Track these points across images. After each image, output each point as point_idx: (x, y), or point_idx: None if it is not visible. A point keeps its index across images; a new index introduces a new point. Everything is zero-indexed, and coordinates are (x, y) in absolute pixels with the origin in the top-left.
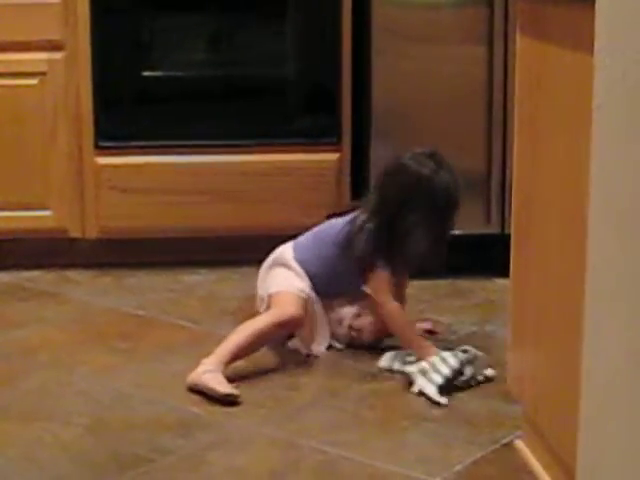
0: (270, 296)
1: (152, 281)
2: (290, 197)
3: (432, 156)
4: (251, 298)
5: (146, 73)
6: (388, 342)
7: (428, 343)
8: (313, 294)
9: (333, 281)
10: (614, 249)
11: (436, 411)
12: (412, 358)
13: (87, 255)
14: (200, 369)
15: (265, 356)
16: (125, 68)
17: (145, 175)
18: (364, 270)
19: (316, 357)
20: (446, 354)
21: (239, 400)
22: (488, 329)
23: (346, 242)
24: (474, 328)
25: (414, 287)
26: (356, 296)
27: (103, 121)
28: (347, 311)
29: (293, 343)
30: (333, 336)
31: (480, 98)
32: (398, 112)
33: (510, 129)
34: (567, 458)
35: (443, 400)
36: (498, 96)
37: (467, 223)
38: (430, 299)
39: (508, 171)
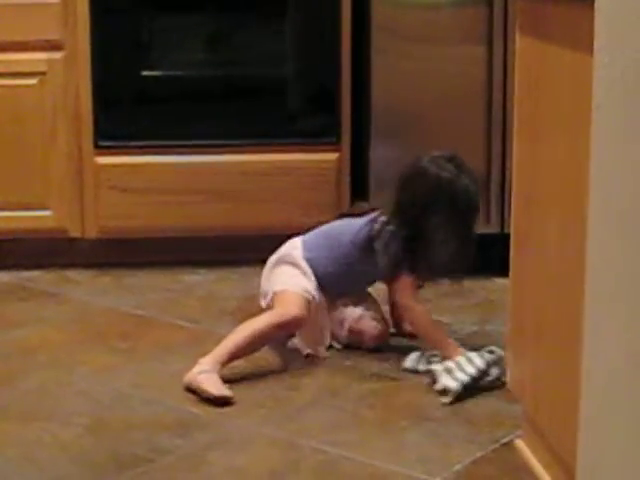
0: (275, 294)
1: (152, 281)
2: (290, 197)
3: (452, 159)
4: (250, 298)
5: (145, 73)
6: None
7: (455, 343)
8: (317, 294)
9: (342, 280)
10: (614, 249)
11: (436, 411)
12: (437, 359)
13: (87, 255)
14: (196, 369)
15: (265, 356)
16: (125, 68)
17: (145, 175)
18: (388, 275)
19: (316, 357)
20: (472, 354)
21: (233, 401)
22: (488, 329)
23: (366, 244)
24: (474, 328)
25: None
26: (361, 297)
27: (103, 121)
28: (350, 312)
29: (293, 342)
30: (333, 336)
31: (480, 98)
32: (398, 112)
33: (509, 129)
34: (567, 457)
35: (446, 400)
36: (498, 96)
37: None
38: (430, 299)
39: (507, 171)
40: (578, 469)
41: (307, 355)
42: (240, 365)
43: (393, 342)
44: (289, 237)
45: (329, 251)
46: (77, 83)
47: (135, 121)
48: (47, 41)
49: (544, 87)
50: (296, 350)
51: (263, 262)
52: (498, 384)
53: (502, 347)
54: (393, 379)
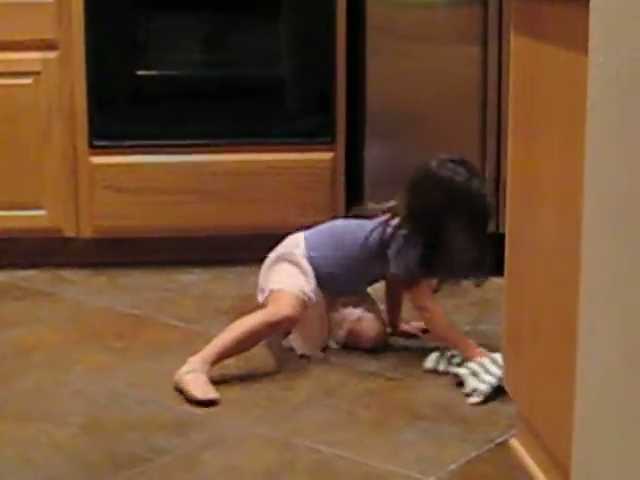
0: (271, 292)
1: (146, 280)
2: (285, 196)
3: (462, 163)
4: (246, 297)
5: (140, 72)
6: (394, 343)
7: (473, 344)
8: (316, 294)
9: (343, 280)
10: (609, 249)
11: (431, 410)
12: (457, 359)
13: (81, 254)
14: (184, 368)
15: (260, 355)
16: (119, 67)
17: (140, 175)
18: (406, 281)
19: (311, 357)
20: (496, 355)
21: (218, 402)
22: (483, 328)
23: (378, 248)
24: (469, 327)
25: None
26: (361, 297)
27: (97, 120)
28: (349, 313)
29: (288, 342)
30: (331, 336)
31: (474, 97)
32: (392, 111)
33: (504, 128)
34: (562, 457)
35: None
36: (492, 95)
37: None
38: None
39: (502, 170)
40: (573, 469)
41: (302, 355)
42: (235, 365)
43: (389, 342)
44: (284, 237)
45: (333, 250)
46: (72, 83)
47: (130, 121)
48: (42, 40)
49: (539, 87)
50: (291, 349)
51: (258, 262)
52: None
53: (497, 347)
54: (389, 379)
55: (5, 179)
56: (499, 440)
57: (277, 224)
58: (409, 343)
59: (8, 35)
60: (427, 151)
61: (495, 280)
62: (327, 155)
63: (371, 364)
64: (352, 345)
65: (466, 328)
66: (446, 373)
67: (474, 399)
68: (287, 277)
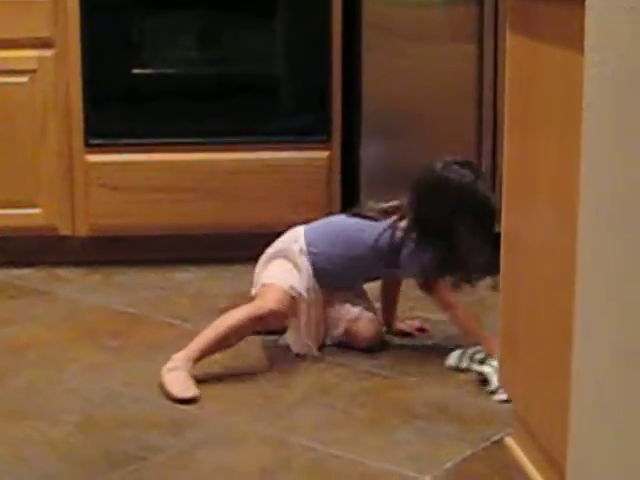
0: (262, 286)
1: (142, 279)
2: (280, 195)
3: (467, 164)
4: (241, 295)
5: (136, 71)
6: (389, 341)
7: (497, 339)
8: (311, 291)
9: (343, 276)
10: (605, 248)
11: (426, 409)
12: (480, 355)
13: (77, 253)
14: (168, 365)
15: (255, 353)
16: (115, 66)
17: (135, 173)
18: (423, 285)
19: (306, 356)
20: None
21: (197, 399)
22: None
23: (388, 250)
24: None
25: (402, 285)
26: (359, 294)
27: (93, 119)
28: (347, 311)
29: (284, 340)
30: (326, 333)
31: (470, 96)
32: (388, 110)
33: (500, 127)
34: (557, 456)
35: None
36: (488, 94)
37: None
38: (420, 296)
39: (498, 169)
40: (568, 468)
41: (297, 354)
42: (230, 363)
43: (384, 341)
44: (280, 235)
45: (333, 247)
46: (68, 81)
47: (126, 119)
48: (37, 39)
49: (535, 85)
50: (287, 347)
51: (254, 260)
52: None
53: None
54: (384, 377)
55: (0, 177)
56: (495, 439)
57: (273, 222)
58: (405, 342)
59: (4, 33)
60: (423, 149)
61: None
62: (323, 153)
63: (367, 363)
64: (348, 344)
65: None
66: (468, 370)
67: (499, 396)
68: (279, 272)
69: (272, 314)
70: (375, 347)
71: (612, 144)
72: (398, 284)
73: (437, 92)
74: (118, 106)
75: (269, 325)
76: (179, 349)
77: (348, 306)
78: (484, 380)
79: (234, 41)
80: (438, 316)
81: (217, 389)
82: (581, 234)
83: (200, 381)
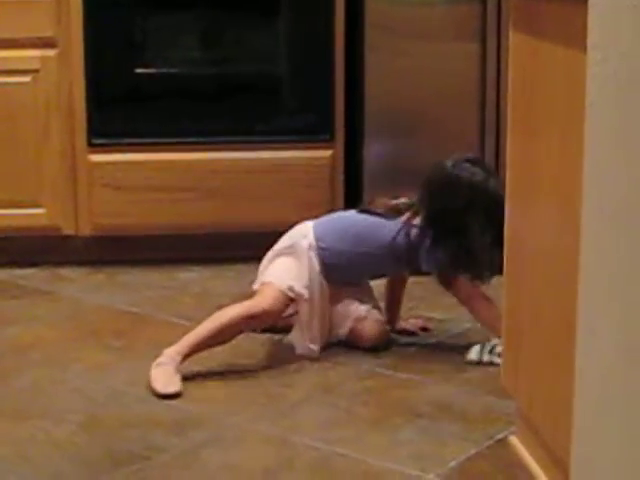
0: (262, 283)
1: (146, 278)
2: (283, 194)
3: (477, 162)
4: (245, 295)
5: (139, 70)
6: (393, 340)
7: None
8: (306, 291)
9: (351, 272)
10: (608, 247)
11: (430, 408)
12: (500, 349)
13: (80, 252)
14: (157, 360)
15: (259, 353)
16: (118, 65)
17: (138, 172)
18: (444, 284)
19: (310, 355)
20: None
21: (179, 394)
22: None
23: (405, 249)
24: (467, 325)
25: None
26: (365, 291)
27: (96, 118)
28: (354, 310)
29: (288, 340)
30: (332, 332)
31: (473, 95)
32: (391, 109)
33: (503, 126)
34: (561, 454)
35: None
36: (491, 93)
37: None
38: (423, 295)
39: (501, 168)
40: (572, 465)
41: (300, 355)
42: (233, 362)
43: (389, 341)
44: (282, 234)
45: (341, 243)
46: (70, 81)
47: (129, 119)
48: (40, 38)
49: (538, 84)
50: (290, 346)
51: (257, 259)
52: None
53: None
54: (387, 376)
55: (4, 177)
56: (498, 437)
57: (276, 222)
58: (408, 341)
59: (7, 33)
60: (426, 148)
61: (495, 278)
62: (326, 153)
63: (370, 362)
64: (352, 344)
65: (467, 325)
66: (490, 364)
67: None
68: (281, 271)
69: (265, 313)
70: (380, 347)
71: (615, 143)
72: (404, 282)
73: (440, 91)
74: (121, 106)
75: (262, 324)
76: None
77: (357, 304)
78: None
79: (237, 41)
80: (441, 315)
81: (220, 388)
82: (584, 233)
83: (203, 380)
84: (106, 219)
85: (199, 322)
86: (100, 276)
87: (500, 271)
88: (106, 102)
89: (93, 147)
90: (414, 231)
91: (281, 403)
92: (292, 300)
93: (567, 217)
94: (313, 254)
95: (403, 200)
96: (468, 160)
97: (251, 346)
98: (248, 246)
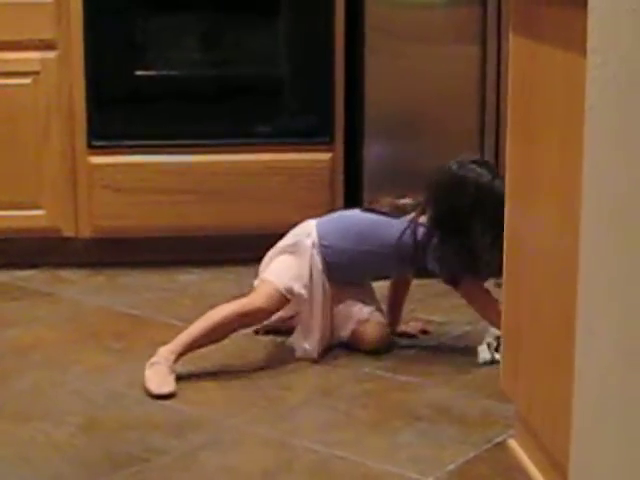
0: (260, 281)
1: (146, 280)
2: (283, 196)
3: (483, 163)
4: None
5: (139, 72)
6: (393, 343)
7: None
8: (307, 292)
9: (353, 272)
10: (607, 249)
11: (429, 411)
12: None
13: (80, 254)
14: (151, 360)
15: (257, 355)
16: (118, 67)
17: (138, 174)
18: (451, 284)
19: (309, 357)
20: None
21: (174, 394)
22: (480, 328)
23: (412, 250)
24: (467, 327)
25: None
26: (368, 292)
27: (96, 120)
28: (357, 311)
29: (290, 342)
30: (334, 334)
31: (473, 98)
32: (391, 112)
33: (503, 129)
34: (560, 457)
35: None
36: (491, 96)
37: None
38: (422, 298)
39: (501, 170)
40: (571, 469)
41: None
42: (232, 364)
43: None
44: (282, 236)
45: (344, 241)
46: (71, 83)
47: (129, 121)
48: (41, 40)
49: (537, 87)
50: (290, 349)
51: (257, 262)
52: None
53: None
54: (386, 379)
55: (4, 179)
56: (497, 440)
57: (276, 224)
58: (408, 343)
59: (7, 35)
60: (426, 151)
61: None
62: (326, 155)
63: (369, 364)
64: (354, 346)
65: (467, 328)
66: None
67: None
68: (280, 270)
69: (258, 311)
70: (381, 350)
71: (614, 146)
72: (407, 285)
73: (440, 94)
74: (121, 108)
75: (256, 321)
76: None
77: (360, 305)
78: None
79: (237, 43)
80: (441, 317)
81: (220, 390)
82: (583, 234)
83: (202, 383)
84: (106, 221)
85: None
86: (100, 278)
87: (501, 271)
88: (106, 104)
89: (93, 149)
90: (421, 230)
91: (280, 405)
92: (288, 301)
93: (566, 218)
94: (315, 252)
95: (408, 200)
96: (474, 162)
97: (252, 348)
98: (248, 248)
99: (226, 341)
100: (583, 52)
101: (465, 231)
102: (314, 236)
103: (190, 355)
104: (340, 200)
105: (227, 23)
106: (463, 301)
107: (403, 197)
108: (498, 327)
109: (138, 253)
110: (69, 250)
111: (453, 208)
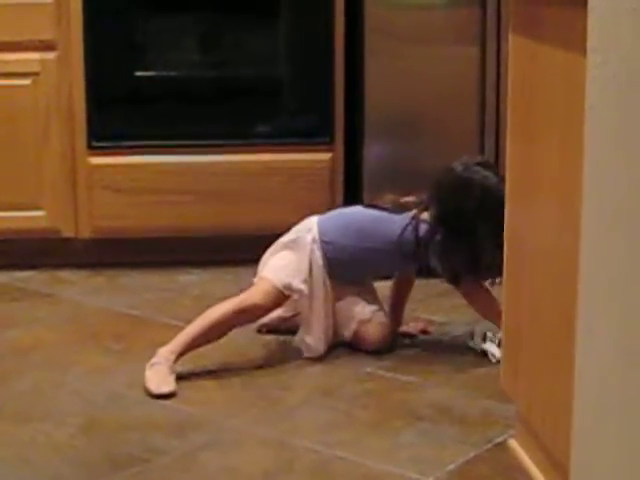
0: (259, 278)
1: (145, 281)
2: (283, 197)
3: (489, 166)
4: None
5: (139, 73)
6: (395, 343)
7: None
8: (305, 286)
9: (354, 269)
10: (607, 249)
11: (429, 411)
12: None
13: (80, 255)
14: (151, 360)
15: (258, 354)
16: (118, 68)
17: (138, 175)
18: (452, 283)
19: (312, 357)
20: None
21: (174, 394)
22: (480, 328)
23: (412, 248)
24: (469, 327)
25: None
26: (370, 291)
27: (96, 121)
28: (360, 311)
29: (296, 343)
30: (337, 332)
31: (473, 98)
32: (391, 112)
33: (502, 129)
34: (560, 457)
35: None
36: (491, 96)
37: None
38: (423, 298)
39: (501, 171)
40: (572, 469)
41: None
42: (233, 364)
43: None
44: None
45: (344, 238)
46: (70, 83)
47: (128, 121)
48: (40, 41)
49: (537, 88)
50: (289, 349)
51: (256, 262)
52: None
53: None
54: (387, 379)
55: (4, 180)
56: (498, 440)
57: (276, 224)
58: (408, 343)
59: (7, 36)
60: (426, 151)
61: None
62: (326, 155)
63: (370, 364)
64: (355, 346)
65: (467, 328)
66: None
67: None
68: (279, 267)
69: (256, 307)
70: (383, 350)
71: (615, 145)
72: (410, 284)
73: (440, 94)
74: (121, 108)
75: (254, 318)
76: None
77: (362, 304)
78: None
79: (236, 43)
80: (441, 317)
81: (220, 390)
82: (584, 234)
83: (202, 383)
84: (106, 221)
85: None
86: (100, 279)
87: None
88: (106, 105)
89: (93, 150)
90: (423, 226)
91: (280, 405)
92: (287, 297)
93: (567, 218)
94: (316, 247)
95: (412, 198)
96: (478, 163)
97: (252, 347)
98: (248, 249)
99: (226, 340)
100: (583, 52)
101: (469, 233)
102: (315, 232)
103: (190, 355)
104: (340, 200)
105: (227, 24)
106: (464, 301)
107: (407, 195)
108: (499, 327)
109: (138, 254)
110: (69, 251)
111: (458, 210)
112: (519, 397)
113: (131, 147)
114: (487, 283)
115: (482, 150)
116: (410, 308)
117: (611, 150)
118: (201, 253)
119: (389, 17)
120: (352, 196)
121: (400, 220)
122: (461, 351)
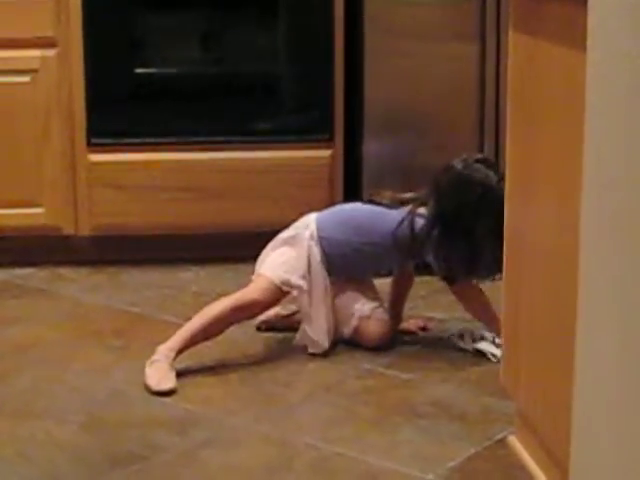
0: (257, 275)
1: (146, 278)
2: (283, 194)
3: (490, 164)
4: None
5: (139, 70)
6: (395, 340)
7: None
8: (304, 282)
9: (352, 265)
10: (607, 248)
11: (430, 408)
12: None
13: (80, 252)
14: (151, 358)
15: (258, 351)
16: (118, 65)
17: (138, 172)
18: (448, 281)
19: (316, 352)
20: None
21: (174, 390)
22: (480, 325)
23: (409, 243)
24: (466, 324)
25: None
26: (369, 286)
27: (96, 118)
28: (360, 308)
29: (298, 340)
30: (337, 328)
31: (472, 95)
32: (390, 109)
33: (502, 126)
34: (560, 454)
35: None
36: (490, 92)
37: None
38: (423, 295)
39: (500, 168)
40: (571, 466)
41: (312, 353)
42: (233, 361)
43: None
44: None
45: (342, 234)
46: (70, 80)
47: (128, 119)
48: (40, 38)
49: (537, 84)
50: (289, 346)
51: (257, 259)
52: None
53: (495, 343)
54: (387, 376)
55: (3, 177)
56: (498, 437)
57: (275, 221)
58: (408, 340)
59: (6, 33)
60: (425, 148)
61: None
62: (325, 152)
63: (370, 361)
64: (356, 343)
65: (465, 325)
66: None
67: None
68: (277, 264)
69: (254, 304)
70: (382, 347)
71: (615, 143)
72: (410, 281)
73: (439, 91)
74: (121, 105)
75: (252, 314)
76: None
77: (362, 301)
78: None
79: (236, 41)
80: (441, 314)
81: (220, 388)
82: (584, 234)
83: (203, 380)
84: (106, 219)
85: None
86: (100, 276)
87: (501, 272)
88: (106, 102)
89: (93, 147)
90: (419, 221)
91: (281, 402)
92: (285, 293)
93: (566, 217)
94: (313, 243)
95: (411, 195)
96: (478, 161)
97: (252, 345)
98: (247, 246)
99: (226, 337)
100: (583, 49)
101: (468, 231)
102: (313, 228)
103: (190, 351)
104: (340, 197)
105: (226, 21)
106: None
107: (406, 192)
108: (490, 328)
109: (138, 251)
110: (69, 248)
111: (458, 207)
112: (519, 394)
113: (130, 144)
114: (487, 279)
115: (481, 147)
116: (410, 305)
117: (611, 148)
118: (201, 250)
119: (389, 14)
120: (352, 193)
121: (397, 215)
122: (461, 348)
